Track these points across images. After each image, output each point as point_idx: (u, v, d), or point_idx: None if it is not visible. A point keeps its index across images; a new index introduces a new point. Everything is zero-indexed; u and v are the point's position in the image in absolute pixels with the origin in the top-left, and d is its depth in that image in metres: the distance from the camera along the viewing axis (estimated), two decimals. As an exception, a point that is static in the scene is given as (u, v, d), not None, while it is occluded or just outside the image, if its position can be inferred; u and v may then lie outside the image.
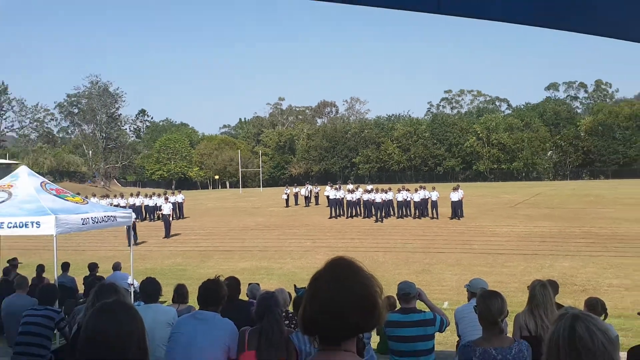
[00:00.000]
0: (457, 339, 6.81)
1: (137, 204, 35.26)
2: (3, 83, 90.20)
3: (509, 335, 4.75)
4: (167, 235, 27.30)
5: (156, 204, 34.24)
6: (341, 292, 1.90)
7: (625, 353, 4.18)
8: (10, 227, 10.25)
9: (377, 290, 1.96)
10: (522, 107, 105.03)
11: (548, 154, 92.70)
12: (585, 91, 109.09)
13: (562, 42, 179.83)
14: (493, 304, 3.90)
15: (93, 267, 13.32)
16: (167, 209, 28.84)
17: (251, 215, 36.68)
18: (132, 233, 24.99)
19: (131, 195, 39.04)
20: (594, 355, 1.87)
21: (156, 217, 33.90)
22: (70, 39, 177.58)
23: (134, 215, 26.65)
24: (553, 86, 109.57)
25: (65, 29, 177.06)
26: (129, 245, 24.50)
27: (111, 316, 2.01)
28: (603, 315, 6.29)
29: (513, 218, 29.71)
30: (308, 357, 4.34)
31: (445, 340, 8.45)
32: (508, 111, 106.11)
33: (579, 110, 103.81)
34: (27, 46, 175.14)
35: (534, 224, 26.91)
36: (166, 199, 31.28)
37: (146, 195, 37.16)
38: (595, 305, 6.28)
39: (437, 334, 6.04)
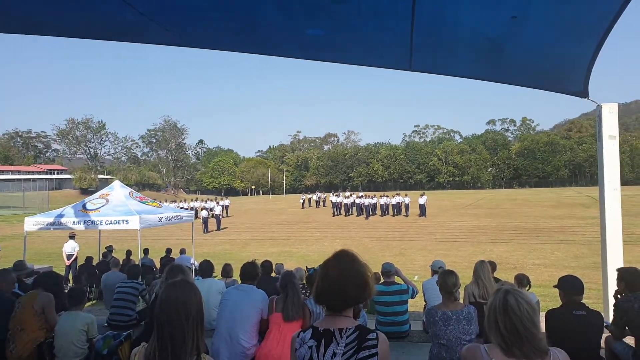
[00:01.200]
0: (424, 303, 6.77)
1: (196, 206, 35.28)
2: (102, 121, 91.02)
3: (461, 301, 4.72)
4: (218, 228, 27.27)
5: (209, 206, 34.25)
6: (343, 274, 1.94)
7: (544, 314, 4.14)
8: (107, 224, 10.35)
9: (369, 274, 1.99)
10: (470, 136, 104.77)
11: (488, 170, 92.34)
12: (514, 125, 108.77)
13: (498, 90, 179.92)
14: (450, 279, 3.89)
15: (168, 250, 13.34)
16: (218, 210, 28.78)
17: (277, 214, 36.66)
18: (206, 224, 25.66)
19: (192, 200, 39.15)
20: (520, 319, 1.88)
21: (210, 215, 33.88)
22: (153, 89, 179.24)
23: (206, 213, 27.28)
24: (491, 122, 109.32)
25: (150, 81, 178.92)
26: (205, 232, 25.14)
27: (178, 290, 2.04)
28: (528, 287, 6.22)
29: (464, 216, 29.55)
30: (319, 317, 4.34)
31: (416, 304, 8.38)
32: (460, 140, 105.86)
33: (510, 139, 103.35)
34: (118, 93, 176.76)
35: (478, 220, 26.77)
36: (217, 203, 31.23)
37: (203, 200, 37.20)
38: (522, 279, 6.22)
39: (409, 300, 6.02)
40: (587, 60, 4.65)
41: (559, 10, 3.59)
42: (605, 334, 4.28)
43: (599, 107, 5.94)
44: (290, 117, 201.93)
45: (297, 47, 4.82)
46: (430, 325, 3.82)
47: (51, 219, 10.64)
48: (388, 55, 4.98)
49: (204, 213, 27.57)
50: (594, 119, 6.46)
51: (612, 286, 5.38)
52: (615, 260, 5.75)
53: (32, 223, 10.88)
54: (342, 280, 1.92)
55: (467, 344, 3.52)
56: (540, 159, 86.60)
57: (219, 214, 28.46)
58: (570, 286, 3.92)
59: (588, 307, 3.88)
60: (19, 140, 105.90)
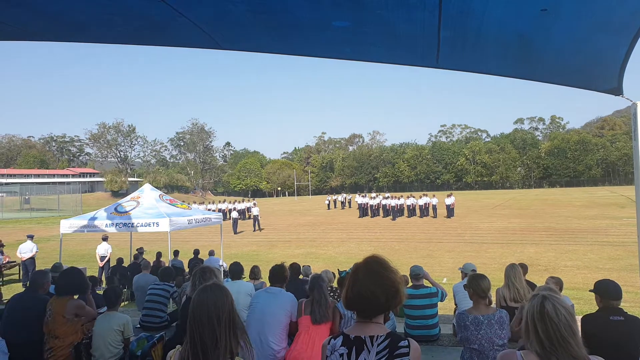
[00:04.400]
0: (454, 306, 6.68)
1: (224, 208, 35.67)
2: (132, 125, 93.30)
3: (493, 305, 4.63)
4: (259, 229, 27.43)
5: (236, 207, 34.55)
6: (374, 281, 1.90)
7: (580, 318, 4.01)
8: (139, 226, 10.58)
9: (400, 280, 1.94)
10: (498, 135, 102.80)
11: (518, 170, 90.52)
12: (543, 123, 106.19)
13: (525, 88, 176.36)
14: (483, 283, 3.82)
15: (196, 252, 13.53)
16: (255, 211, 28.94)
17: (303, 216, 36.78)
18: (236, 225, 26.24)
19: (219, 202, 39.60)
20: (558, 326, 1.83)
21: (246, 217, 34.67)
22: (182, 92, 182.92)
23: (236, 214, 27.76)
24: (519, 120, 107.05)
25: (179, 85, 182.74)
26: (235, 234, 25.82)
27: (210, 293, 2.07)
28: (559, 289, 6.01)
29: (492, 217, 29.01)
30: (349, 320, 4.33)
31: (445, 307, 8.27)
32: (488, 139, 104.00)
33: (539, 138, 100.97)
34: (148, 97, 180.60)
35: (508, 220, 26.23)
36: (254, 204, 31.42)
37: (230, 202, 37.65)
38: (558, 281, 6.03)
39: (439, 303, 5.95)
40: (621, 55, 4.48)
41: (592, 2, 3.48)
42: (645, 340, 4.12)
43: (634, 105, 5.72)
44: (315, 119, 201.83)
45: (324, 42, 4.80)
46: (461, 330, 3.76)
47: (85, 222, 10.94)
48: (414, 50, 4.91)
49: (234, 214, 28.01)
50: (629, 116, 6.24)
51: (652, 290, 5.18)
52: (654, 263, 5.53)
53: (67, 225, 11.21)
54: (372, 288, 1.89)
55: (501, 350, 3.46)
56: (571, 158, 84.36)
57: (257, 215, 28.55)
58: (607, 291, 3.79)
59: (626, 312, 3.75)
60: (54, 144, 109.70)
